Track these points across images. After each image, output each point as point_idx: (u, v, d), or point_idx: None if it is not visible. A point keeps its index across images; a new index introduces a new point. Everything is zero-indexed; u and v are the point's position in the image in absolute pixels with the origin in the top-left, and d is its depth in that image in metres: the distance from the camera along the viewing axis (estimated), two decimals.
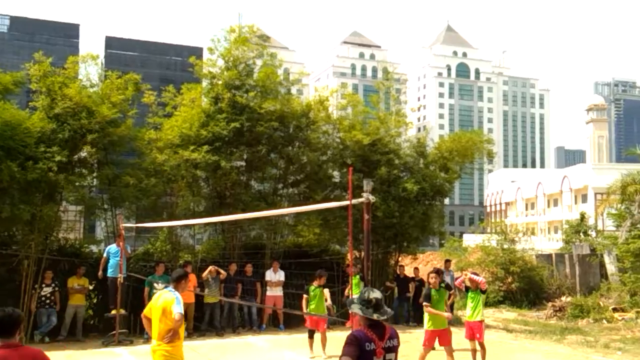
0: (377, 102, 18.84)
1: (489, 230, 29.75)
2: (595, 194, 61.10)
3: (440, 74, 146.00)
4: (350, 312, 5.16)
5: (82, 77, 15.14)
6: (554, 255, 24.05)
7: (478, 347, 10.84)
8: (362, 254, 14.73)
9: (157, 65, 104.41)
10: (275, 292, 15.41)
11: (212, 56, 16.82)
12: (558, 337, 14.77)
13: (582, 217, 31.08)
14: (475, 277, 11.15)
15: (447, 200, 23.97)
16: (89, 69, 15.37)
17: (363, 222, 7.03)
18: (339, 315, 13.92)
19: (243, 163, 16.26)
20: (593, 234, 29.25)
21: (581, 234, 28.73)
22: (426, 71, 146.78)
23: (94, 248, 15.80)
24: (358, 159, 16.47)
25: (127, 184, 14.06)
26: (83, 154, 14.17)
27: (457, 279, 12.31)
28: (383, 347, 4.57)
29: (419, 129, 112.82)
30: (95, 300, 14.92)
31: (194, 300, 14.15)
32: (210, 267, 14.65)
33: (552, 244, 49.75)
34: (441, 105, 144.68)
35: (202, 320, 14.61)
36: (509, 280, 21.37)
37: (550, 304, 19.56)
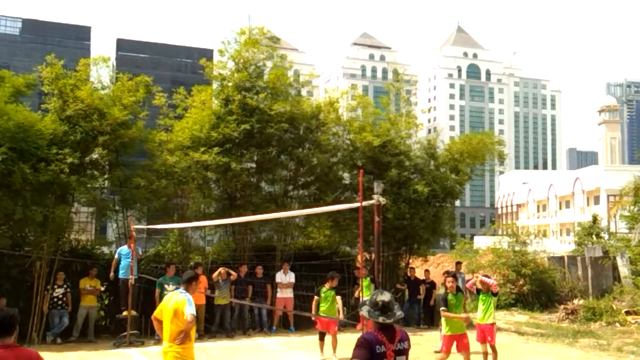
0: (387, 103, 18.81)
1: (500, 233, 29.62)
2: (608, 195, 60.67)
3: (450, 75, 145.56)
4: (360, 314, 5.14)
5: (94, 79, 15.28)
6: (566, 258, 23.85)
7: (489, 350, 10.76)
8: (373, 256, 14.71)
9: (167, 67, 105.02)
10: (285, 294, 15.41)
11: (223, 58, 16.87)
12: (570, 340, 14.66)
13: (595, 219, 30.86)
14: (486, 279, 11.07)
15: (457, 202, 23.87)
16: (101, 71, 15.52)
17: (374, 224, 7.02)
18: (349, 318, 13.90)
19: (253, 165, 16.28)
20: (605, 236, 29.00)
21: (593, 236, 28.51)
22: (436, 72, 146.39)
23: (105, 249, 15.90)
24: (368, 160, 16.45)
25: (138, 186, 14.12)
26: (94, 155, 14.25)
27: (468, 281, 12.23)
28: (393, 350, 4.55)
29: (429, 131, 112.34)
30: (106, 302, 15.00)
31: (205, 302, 14.18)
32: (220, 269, 14.68)
33: (564, 246, 49.40)
34: (452, 107, 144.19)
35: (212, 322, 14.63)
36: (521, 282, 21.22)
37: (562, 306, 19.40)
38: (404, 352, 4.66)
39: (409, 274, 17.31)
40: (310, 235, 17.77)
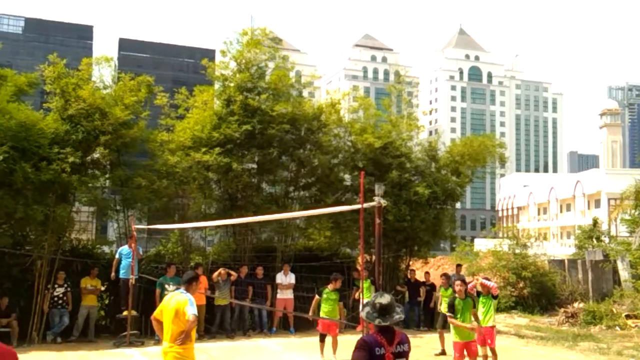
0: (388, 105, 18.83)
1: (500, 235, 29.62)
2: (609, 199, 60.63)
3: (452, 78, 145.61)
4: (360, 316, 5.15)
5: (96, 79, 15.28)
6: (566, 261, 23.84)
7: (489, 353, 10.75)
8: (373, 257, 14.71)
9: (169, 67, 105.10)
10: (285, 295, 15.41)
11: (225, 58, 16.87)
12: (570, 343, 14.64)
13: (595, 222, 30.84)
14: (486, 282, 11.07)
15: (458, 205, 23.87)
16: (103, 70, 15.53)
17: (374, 225, 7.02)
18: (349, 320, 13.89)
19: (254, 165, 16.29)
20: (606, 239, 28.99)
21: (594, 239, 28.50)
22: (438, 74, 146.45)
23: (106, 249, 15.91)
24: (369, 162, 16.45)
25: (139, 186, 14.13)
26: (96, 155, 14.26)
27: (468, 283, 12.21)
28: (392, 352, 4.54)
29: (430, 133, 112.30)
30: (107, 301, 15.00)
31: (205, 302, 14.19)
32: (220, 270, 14.68)
33: (564, 249, 49.37)
34: (453, 109, 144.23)
35: (212, 323, 14.64)
36: (521, 285, 21.21)
37: (562, 310, 19.39)
38: (404, 354, 4.65)
39: (409, 276, 17.31)
40: (311, 236, 17.78)
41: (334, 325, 11.74)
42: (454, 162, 17.85)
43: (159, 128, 16.19)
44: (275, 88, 16.22)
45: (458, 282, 10.29)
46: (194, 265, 14.50)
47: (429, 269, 20.35)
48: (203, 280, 13.73)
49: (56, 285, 13.60)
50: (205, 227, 15.66)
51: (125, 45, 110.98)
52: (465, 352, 10.03)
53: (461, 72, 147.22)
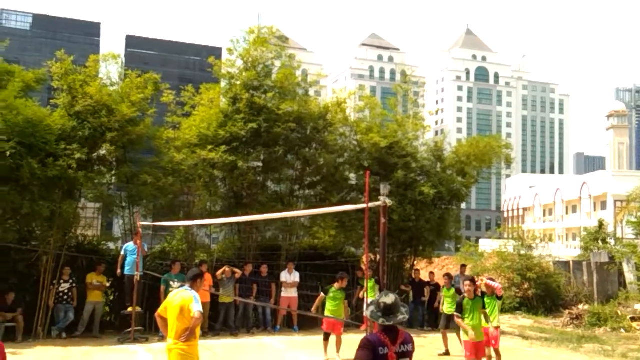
0: (394, 105, 18.81)
1: (505, 236, 29.54)
2: (615, 201, 60.37)
3: (459, 78, 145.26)
4: (364, 315, 5.16)
5: (103, 76, 15.32)
6: (571, 263, 23.80)
7: (493, 354, 10.73)
8: (378, 257, 14.71)
9: (176, 64, 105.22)
10: (290, 294, 15.43)
11: (231, 57, 16.89)
12: (575, 345, 14.61)
13: (601, 224, 30.71)
14: (491, 282, 11.03)
15: (463, 205, 23.82)
16: (110, 67, 15.56)
17: (379, 225, 7.02)
18: (353, 319, 13.90)
19: (260, 164, 16.30)
20: (612, 241, 28.89)
21: (600, 241, 28.40)
22: (445, 74, 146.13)
23: (111, 245, 15.96)
24: (375, 161, 16.44)
25: (145, 183, 14.16)
26: (102, 151, 14.29)
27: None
28: (396, 352, 4.55)
29: (436, 133, 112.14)
30: (112, 298, 15.05)
31: (209, 300, 14.21)
32: (225, 267, 14.71)
33: (570, 251, 49.24)
34: (459, 109, 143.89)
35: (216, 320, 14.67)
36: (526, 286, 21.18)
37: (567, 311, 19.36)
38: (408, 354, 4.64)
39: (413, 276, 17.29)
40: (316, 235, 17.78)
41: (339, 324, 11.73)
42: (460, 162, 17.82)
43: (165, 125, 16.23)
44: (282, 87, 16.23)
45: (467, 282, 10.24)
46: (199, 263, 14.53)
47: (433, 269, 20.36)
48: (208, 277, 13.78)
49: (61, 281, 13.65)
50: (210, 225, 15.68)
51: (132, 42, 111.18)
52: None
53: (468, 73, 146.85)
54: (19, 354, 11.50)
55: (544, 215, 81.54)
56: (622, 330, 17.36)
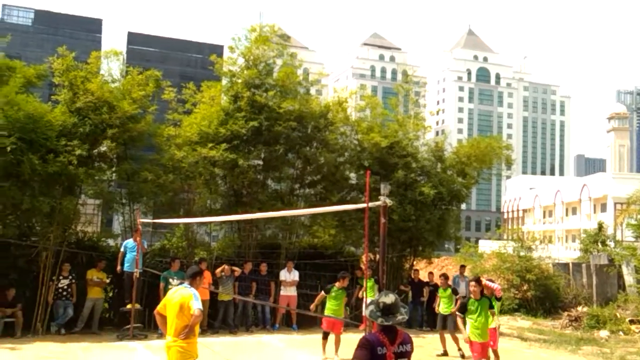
0: (395, 104, 18.80)
1: (505, 237, 29.53)
2: (615, 203, 60.38)
3: (460, 78, 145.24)
4: (363, 315, 5.16)
5: (104, 72, 15.31)
6: (571, 265, 23.77)
7: (491, 355, 10.73)
8: (377, 256, 14.70)
9: (177, 62, 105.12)
10: (289, 292, 15.44)
11: (233, 55, 16.88)
12: (573, 347, 14.61)
13: (600, 226, 30.69)
14: (490, 283, 11.02)
15: (463, 206, 23.81)
16: (111, 64, 15.56)
17: (379, 225, 7.01)
18: (352, 318, 13.90)
19: (260, 162, 16.30)
20: (611, 244, 28.88)
21: (599, 243, 28.37)
22: (446, 75, 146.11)
23: (111, 242, 15.96)
24: (375, 161, 16.44)
25: (146, 180, 14.17)
26: (103, 148, 14.31)
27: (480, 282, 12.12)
28: (394, 352, 4.54)
29: (437, 133, 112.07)
30: (111, 294, 15.06)
31: (209, 298, 14.22)
32: (223, 266, 14.72)
33: (569, 252, 49.22)
34: (460, 110, 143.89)
35: (215, 318, 14.68)
36: (525, 288, 21.16)
37: (566, 313, 19.35)
38: (406, 354, 4.64)
39: (412, 276, 17.30)
40: (316, 234, 17.77)
41: (338, 323, 11.74)
42: (460, 163, 17.81)
43: (166, 123, 16.22)
44: (283, 85, 16.23)
45: (473, 283, 10.00)
46: (198, 260, 14.53)
47: (432, 269, 20.32)
48: (207, 275, 13.77)
49: (61, 277, 13.66)
50: (210, 223, 15.68)
51: (133, 39, 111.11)
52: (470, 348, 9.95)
53: (469, 73, 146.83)
54: (17, 350, 11.52)
55: (544, 216, 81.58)
56: (621, 332, 17.36)
